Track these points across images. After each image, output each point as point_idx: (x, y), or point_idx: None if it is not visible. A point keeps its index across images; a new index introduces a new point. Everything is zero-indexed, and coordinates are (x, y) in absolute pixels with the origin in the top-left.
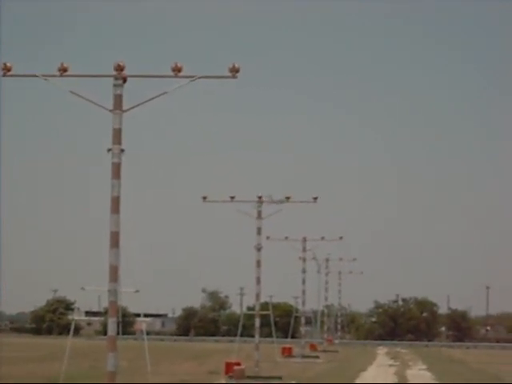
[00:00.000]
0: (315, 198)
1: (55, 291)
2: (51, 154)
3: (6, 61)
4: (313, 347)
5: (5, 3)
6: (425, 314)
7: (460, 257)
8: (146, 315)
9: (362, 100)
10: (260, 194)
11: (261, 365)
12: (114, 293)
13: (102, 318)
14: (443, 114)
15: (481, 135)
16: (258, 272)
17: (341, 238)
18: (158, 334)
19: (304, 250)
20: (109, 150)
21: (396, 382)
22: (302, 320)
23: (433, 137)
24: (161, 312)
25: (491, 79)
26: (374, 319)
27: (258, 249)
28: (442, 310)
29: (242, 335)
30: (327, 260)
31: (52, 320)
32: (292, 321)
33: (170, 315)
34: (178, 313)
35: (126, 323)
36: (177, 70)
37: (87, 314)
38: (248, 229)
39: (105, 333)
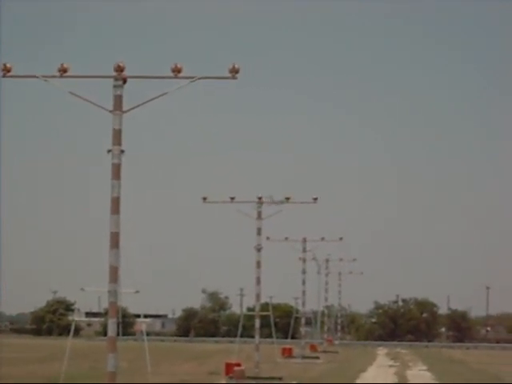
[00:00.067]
0: (315, 199)
1: (55, 292)
2: (51, 154)
3: (6, 61)
4: (313, 348)
5: (5, 3)
6: (425, 315)
7: (460, 257)
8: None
9: (361, 100)
10: (260, 195)
11: (261, 365)
12: (113, 293)
13: (102, 319)
14: (443, 114)
15: (481, 135)
16: (257, 272)
17: (341, 238)
18: (157, 334)
19: (304, 250)
20: (109, 150)
21: (396, 382)
22: (302, 321)
23: (433, 137)
24: (161, 313)
25: (491, 79)
26: (374, 320)
27: (258, 249)
28: (442, 310)
29: (242, 336)
30: (327, 260)
31: (52, 321)
32: (292, 321)
33: (170, 316)
34: (178, 313)
35: (126, 324)
36: (177, 70)
37: (87, 314)
38: (248, 229)
39: (105, 333)
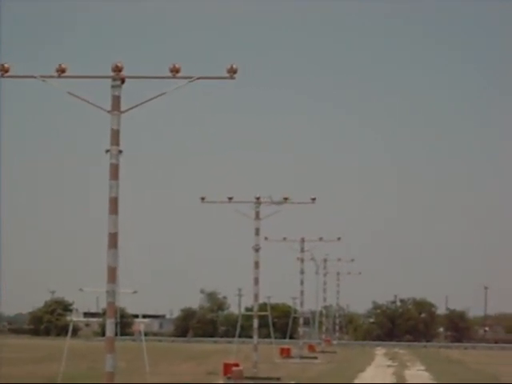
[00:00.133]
0: (313, 199)
1: (53, 292)
2: (51, 153)
3: (6, 61)
4: (311, 348)
5: (5, 3)
6: (423, 315)
7: (458, 257)
8: (144, 316)
9: (361, 100)
10: (258, 195)
11: (259, 366)
12: (112, 294)
13: (100, 319)
14: (443, 114)
15: (481, 135)
16: (256, 273)
17: (339, 238)
18: (155, 334)
19: (302, 250)
20: (107, 151)
21: (394, 382)
22: (301, 321)
23: (433, 137)
24: (159, 313)
25: (491, 79)
26: (372, 320)
27: (256, 249)
28: (441, 310)
29: (240, 336)
30: (325, 261)
31: (50, 321)
32: (290, 321)
33: (168, 316)
34: (176, 314)
35: (124, 324)
36: (175, 70)
37: (85, 315)
38: (246, 229)
39: (103, 334)
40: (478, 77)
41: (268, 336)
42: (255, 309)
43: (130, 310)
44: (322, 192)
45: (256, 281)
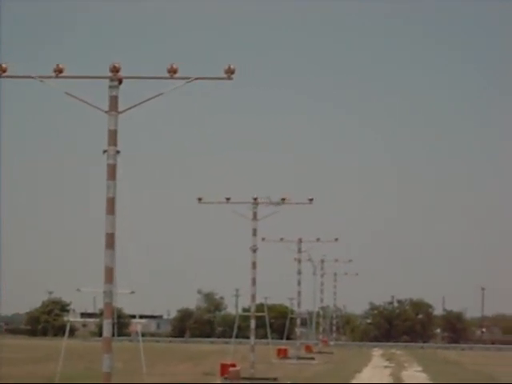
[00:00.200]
0: (311, 200)
1: (50, 293)
2: (51, 154)
3: (6, 61)
4: (308, 349)
5: (5, 3)
6: (420, 316)
7: (455, 258)
8: (141, 316)
9: (362, 100)
10: (255, 196)
11: (256, 366)
12: (109, 294)
13: (98, 320)
14: (443, 114)
15: (481, 135)
16: (253, 273)
17: (336, 239)
18: (153, 335)
19: (299, 251)
20: (104, 151)
21: (392, 382)
22: (298, 321)
23: (433, 137)
24: (156, 313)
25: (491, 79)
26: (369, 321)
27: (254, 250)
28: (438, 311)
29: (237, 336)
30: (323, 261)
31: (47, 321)
32: (287, 322)
33: (165, 316)
34: (174, 314)
35: (122, 325)
36: (172, 71)
37: (82, 315)
38: (243, 230)
39: (100, 334)
40: (478, 77)
41: (265, 336)
42: (252, 309)
43: (127, 311)
44: (322, 192)
45: (253, 281)
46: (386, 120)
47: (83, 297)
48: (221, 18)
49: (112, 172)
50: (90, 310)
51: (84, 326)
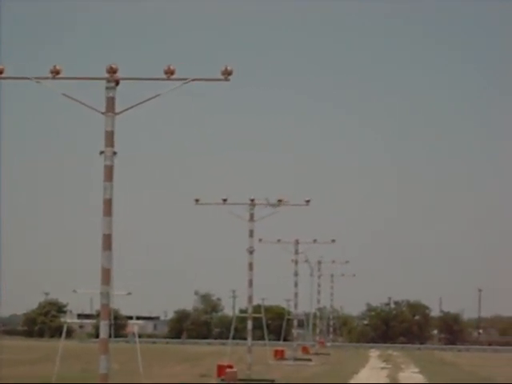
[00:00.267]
0: (307, 201)
1: (47, 294)
2: (51, 154)
3: (6, 61)
4: (305, 350)
5: (5, 3)
6: (417, 317)
7: (452, 259)
8: (138, 318)
9: (361, 100)
10: (252, 197)
11: (253, 367)
12: (106, 295)
13: (94, 321)
14: (443, 114)
15: (481, 135)
16: (250, 275)
17: (333, 240)
18: (150, 336)
19: (296, 252)
20: (101, 152)
21: (388, 383)
22: (295, 323)
23: (433, 137)
24: (153, 315)
25: (491, 79)
26: (366, 322)
27: (251, 251)
28: (435, 312)
29: (234, 338)
30: (319, 263)
31: (44, 322)
32: (284, 323)
33: (162, 318)
34: (170, 315)
35: (118, 326)
36: (169, 72)
37: (79, 316)
38: (240, 231)
39: (97, 335)
40: (478, 77)
41: (262, 338)
42: (249, 311)
43: (124, 312)
44: (322, 192)
45: (250, 283)
46: (386, 120)
47: (80, 298)
48: (220, 18)
49: (109, 173)
50: (87, 312)
51: (81, 327)
